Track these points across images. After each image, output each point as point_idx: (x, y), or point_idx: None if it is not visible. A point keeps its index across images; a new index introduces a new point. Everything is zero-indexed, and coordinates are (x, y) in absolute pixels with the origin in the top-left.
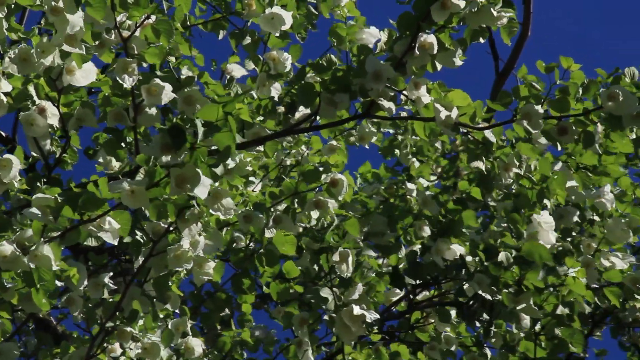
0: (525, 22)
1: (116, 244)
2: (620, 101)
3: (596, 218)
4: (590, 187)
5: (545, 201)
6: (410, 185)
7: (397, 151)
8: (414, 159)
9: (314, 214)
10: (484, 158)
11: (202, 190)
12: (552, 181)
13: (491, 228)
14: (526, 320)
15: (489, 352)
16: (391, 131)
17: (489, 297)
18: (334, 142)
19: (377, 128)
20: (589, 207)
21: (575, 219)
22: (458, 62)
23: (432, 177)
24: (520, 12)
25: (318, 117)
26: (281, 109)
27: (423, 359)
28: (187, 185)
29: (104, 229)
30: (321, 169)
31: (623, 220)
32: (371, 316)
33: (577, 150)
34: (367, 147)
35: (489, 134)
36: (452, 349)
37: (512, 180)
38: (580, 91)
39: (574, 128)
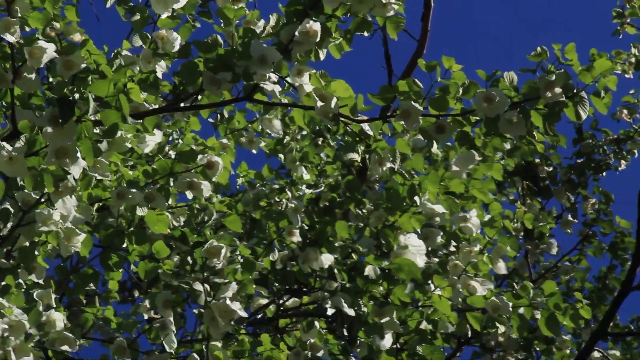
0: (422, 39)
1: None
2: (495, 104)
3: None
4: (459, 211)
5: (415, 198)
6: (288, 193)
7: (281, 155)
8: (300, 164)
9: (189, 195)
10: (359, 150)
11: (77, 170)
12: (423, 178)
13: (363, 238)
14: (389, 335)
15: None
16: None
17: (352, 312)
18: (225, 141)
19: (267, 135)
20: (457, 230)
21: (439, 239)
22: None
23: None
24: (417, 29)
25: (199, 97)
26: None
27: (285, 349)
28: (66, 160)
29: None
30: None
31: (489, 248)
32: (241, 314)
33: (447, 176)
34: (254, 152)
35: (366, 126)
36: (319, 354)
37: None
38: (461, 91)
39: (451, 126)
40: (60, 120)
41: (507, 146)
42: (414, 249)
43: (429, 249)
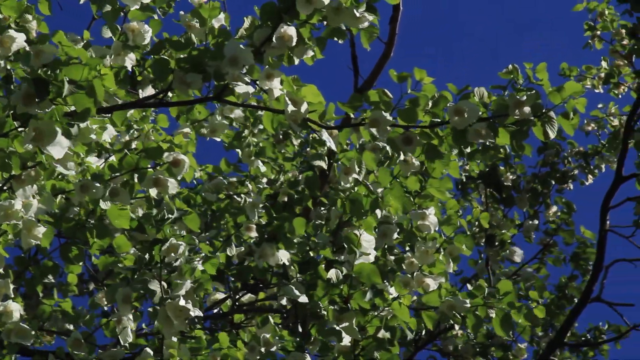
0: (390, 42)
1: None
2: (465, 117)
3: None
4: (415, 208)
5: (377, 211)
6: (249, 186)
7: (238, 151)
8: (256, 159)
9: (153, 192)
10: (326, 158)
11: (57, 150)
12: (387, 192)
13: (319, 235)
14: (347, 338)
15: (308, 358)
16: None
17: (304, 300)
18: (187, 130)
19: (229, 122)
20: (414, 228)
21: (396, 236)
22: (316, 56)
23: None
24: (385, 33)
25: (169, 94)
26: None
27: (242, 347)
28: (44, 141)
29: None
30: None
31: (445, 247)
32: (195, 313)
33: (402, 174)
34: (218, 139)
35: (329, 140)
36: (273, 349)
37: (350, 185)
38: (430, 104)
39: (418, 139)
40: (36, 99)
41: (468, 149)
42: (366, 244)
43: (386, 246)
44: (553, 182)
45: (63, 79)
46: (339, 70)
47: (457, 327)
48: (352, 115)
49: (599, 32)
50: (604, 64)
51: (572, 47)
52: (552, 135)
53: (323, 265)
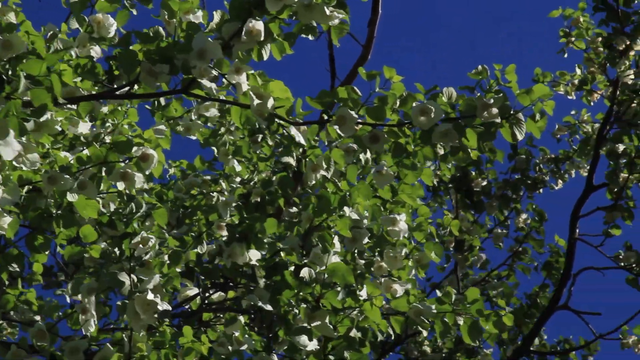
0: (367, 45)
1: None
2: (431, 117)
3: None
4: (386, 214)
5: (345, 208)
6: (222, 185)
7: (214, 149)
8: (232, 158)
9: (120, 186)
10: (294, 155)
11: (8, 152)
12: (355, 190)
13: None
14: (314, 340)
15: (275, 359)
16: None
17: (269, 308)
18: (162, 127)
19: (204, 121)
20: (384, 233)
21: (367, 240)
22: (286, 52)
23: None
24: (363, 36)
25: (136, 87)
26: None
27: (206, 341)
28: None
29: None
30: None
31: (414, 254)
32: (163, 307)
33: (377, 183)
34: (193, 138)
35: (298, 135)
36: (243, 348)
37: (317, 182)
38: (398, 103)
39: (386, 137)
40: None
41: (442, 151)
42: (339, 245)
43: (356, 250)
44: (523, 188)
45: (20, 73)
46: (319, 72)
47: (425, 332)
48: (325, 117)
49: (573, 39)
50: (578, 70)
51: (549, 37)
52: (520, 137)
53: (291, 269)
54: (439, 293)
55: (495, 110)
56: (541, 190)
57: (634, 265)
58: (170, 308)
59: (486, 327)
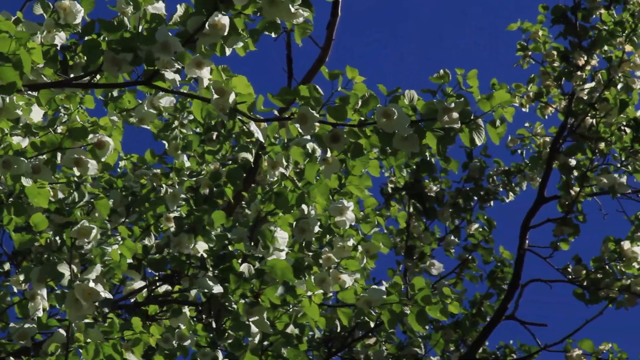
0: (326, 47)
1: None
2: (394, 120)
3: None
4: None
5: (303, 206)
6: (172, 179)
7: (165, 142)
8: (182, 153)
9: (76, 172)
10: (253, 151)
11: None
12: (313, 188)
13: (236, 229)
14: (256, 332)
15: (220, 355)
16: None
17: (219, 289)
18: (114, 118)
19: (158, 112)
20: (332, 224)
21: (317, 229)
22: (249, 48)
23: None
24: (322, 37)
25: (98, 76)
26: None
27: (155, 333)
28: None
29: None
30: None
31: (362, 244)
32: (105, 295)
33: (323, 171)
34: (147, 127)
35: (257, 132)
36: (186, 344)
37: (276, 179)
38: (360, 103)
39: (346, 137)
40: None
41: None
42: (281, 240)
43: (304, 241)
44: (475, 199)
45: None
46: (274, 71)
47: (371, 339)
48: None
49: (530, 53)
50: (532, 83)
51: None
52: (478, 142)
53: (240, 260)
54: (385, 284)
55: (455, 115)
56: (492, 203)
57: (581, 279)
58: (111, 296)
59: (435, 316)
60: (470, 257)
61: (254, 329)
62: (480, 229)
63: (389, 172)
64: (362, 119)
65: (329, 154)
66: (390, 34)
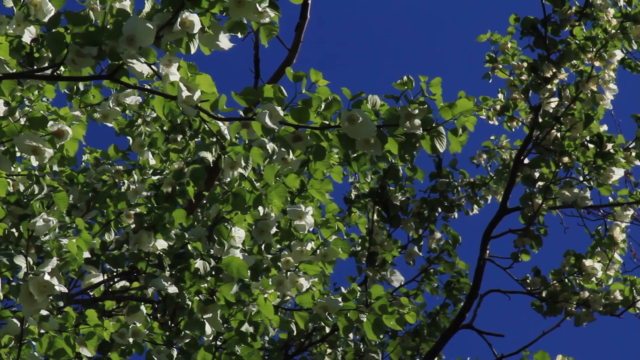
0: (294, 49)
1: None
2: (358, 124)
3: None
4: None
5: (260, 208)
6: (134, 176)
7: (129, 138)
8: (147, 150)
9: (34, 160)
10: (213, 150)
11: None
12: (271, 190)
13: (194, 228)
14: (209, 330)
15: (175, 353)
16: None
17: (173, 290)
18: (77, 113)
19: (122, 109)
20: (292, 227)
21: (275, 230)
22: (222, 45)
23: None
24: (290, 39)
25: (62, 69)
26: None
27: (110, 327)
28: None
29: None
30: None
31: (320, 249)
32: (60, 289)
33: (286, 172)
34: (110, 125)
35: (225, 129)
36: (139, 340)
37: (234, 179)
38: (323, 106)
39: (308, 138)
40: None
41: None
42: (238, 239)
43: (264, 243)
44: (440, 210)
45: None
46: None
47: (328, 346)
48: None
49: (500, 65)
50: (500, 95)
51: (489, 21)
52: (440, 149)
53: (198, 260)
54: (343, 290)
55: (417, 121)
56: (456, 214)
57: (540, 291)
58: (66, 290)
59: (390, 324)
60: (431, 269)
61: (208, 327)
62: (443, 242)
63: (353, 178)
64: (325, 122)
65: (290, 155)
66: (363, 40)
